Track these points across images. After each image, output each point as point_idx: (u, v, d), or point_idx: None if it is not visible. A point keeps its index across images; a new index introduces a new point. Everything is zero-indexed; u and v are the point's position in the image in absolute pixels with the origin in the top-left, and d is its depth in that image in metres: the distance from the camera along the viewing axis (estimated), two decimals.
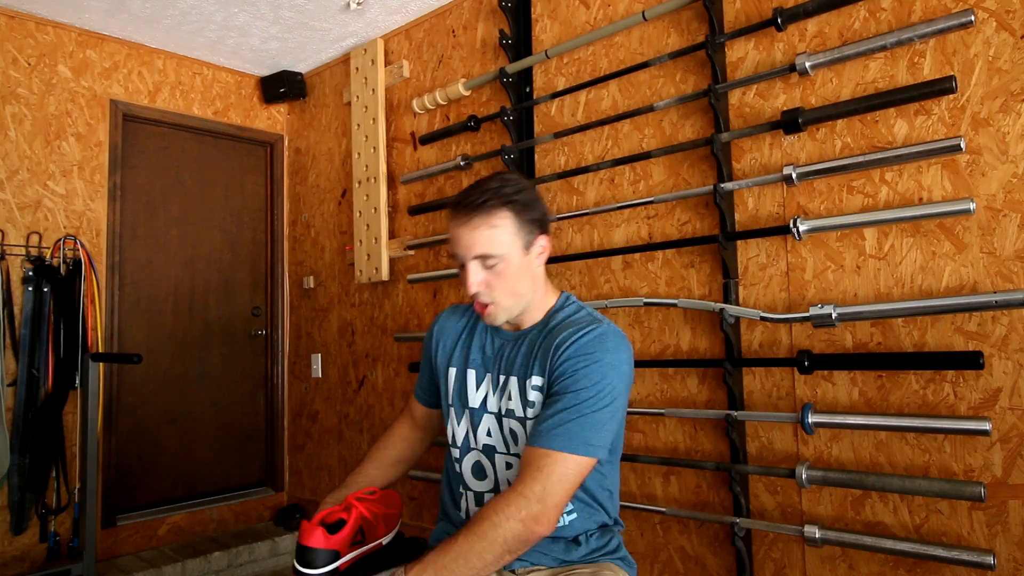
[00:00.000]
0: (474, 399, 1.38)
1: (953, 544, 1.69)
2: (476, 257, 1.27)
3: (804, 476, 1.86)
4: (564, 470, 1.16)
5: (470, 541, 1.11)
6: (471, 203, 1.27)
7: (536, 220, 1.31)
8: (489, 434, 1.36)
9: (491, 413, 1.36)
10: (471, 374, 1.39)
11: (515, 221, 1.28)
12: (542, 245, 1.34)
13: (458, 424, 1.40)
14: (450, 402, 1.41)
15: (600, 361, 1.22)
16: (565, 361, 1.24)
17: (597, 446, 1.19)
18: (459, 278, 1.34)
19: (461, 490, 1.41)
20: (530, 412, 1.30)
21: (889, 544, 1.73)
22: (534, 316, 1.37)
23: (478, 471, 1.38)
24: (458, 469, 1.40)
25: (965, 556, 1.61)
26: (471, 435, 1.38)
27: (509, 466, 1.35)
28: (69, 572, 2.69)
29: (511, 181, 1.30)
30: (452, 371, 1.42)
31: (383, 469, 1.52)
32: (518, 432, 1.32)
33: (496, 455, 1.35)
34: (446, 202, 2.96)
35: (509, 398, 1.32)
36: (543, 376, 1.28)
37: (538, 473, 1.15)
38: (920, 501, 1.76)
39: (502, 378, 1.35)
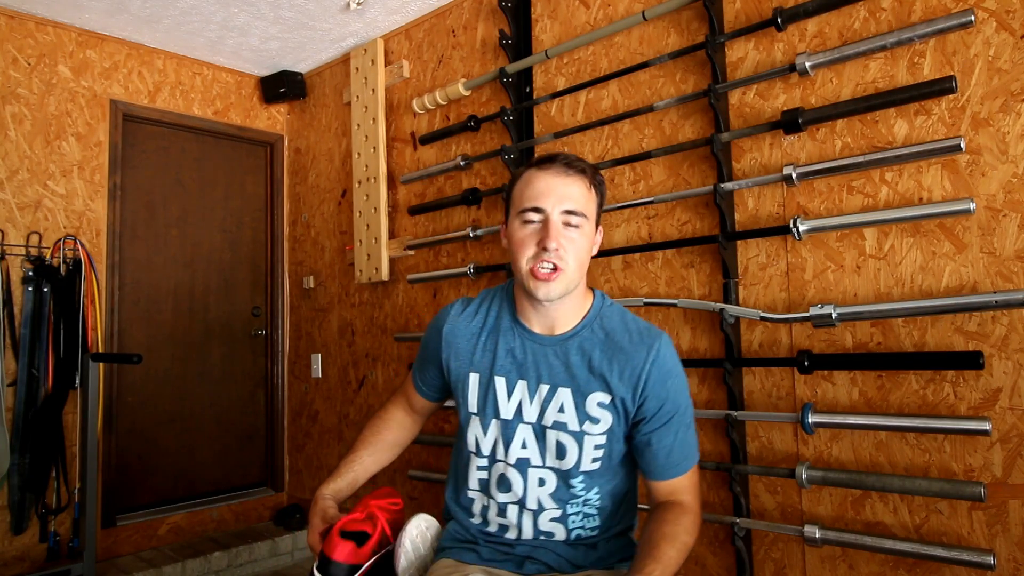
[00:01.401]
0: (506, 410, 1.29)
1: (953, 544, 1.69)
2: (565, 211, 1.21)
3: (804, 476, 1.86)
4: (699, 478, 1.31)
5: (678, 553, 1.18)
6: (569, 161, 1.24)
7: (601, 212, 1.32)
8: (524, 446, 1.28)
9: (528, 423, 1.28)
10: (500, 382, 1.29)
11: (598, 200, 1.29)
12: (600, 236, 1.33)
13: (484, 434, 1.31)
14: (474, 410, 1.32)
15: (680, 374, 1.29)
16: (654, 386, 1.24)
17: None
18: (520, 237, 1.23)
19: (474, 496, 1.35)
20: (592, 428, 1.24)
21: (889, 544, 1.73)
22: (571, 316, 1.29)
23: (503, 484, 1.30)
24: (485, 476, 1.32)
25: (965, 556, 1.61)
26: (500, 447, 1.29)
27: (543, 482, 1.28)
28: (69, 572, 2.69)
29: (595, 167, 1.32)
30: (474, 377, 1.32)
31: (377, 455, 1.44)
32: (568, 446, 1.25)
33: (530, 469, 1.28)
34: (446, 202, 2.96)
35: (561, 410, 1.25)
36: (610, 394, 1.24)
37: (694, 489, 1.28)
38: (920, 501, 1.76)
39: (544, 387, 1.27)
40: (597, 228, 1.30)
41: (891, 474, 1.78)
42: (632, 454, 1.30)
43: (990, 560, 1.59)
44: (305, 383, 3.76)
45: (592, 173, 1.27)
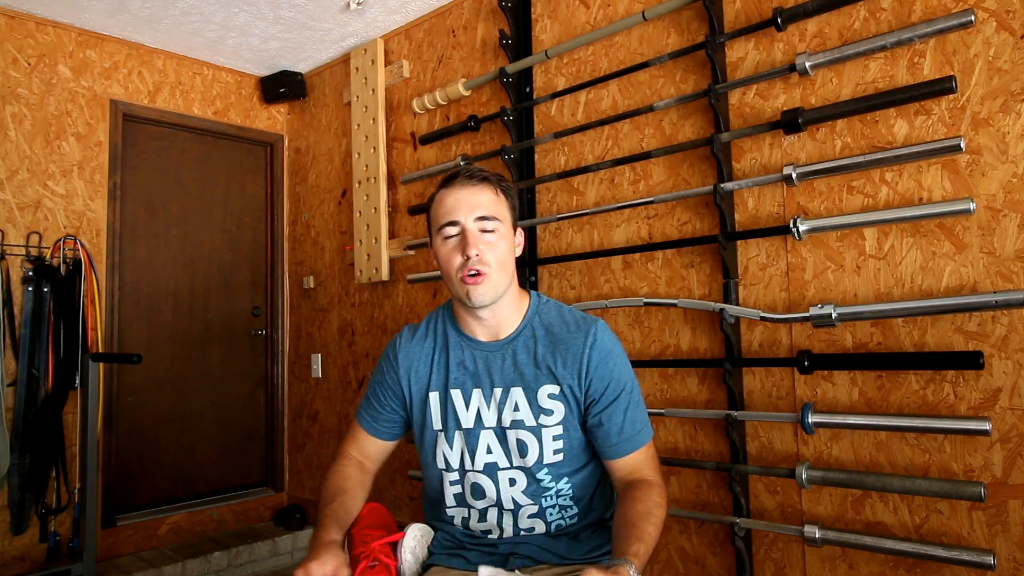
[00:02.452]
0: (466, 419, 1.32)
1: (953, 544, 1.69)
2: (478, 219, 1.28)
3: (804, 476, 1.86)
4: (655, 452, 1.34)
5: (655, 528, 1.18)
6: (472, 174, 1.32)
7: (517, 215, 1.39)
8: (489, 451, 1.31)
9: (489, 428, 1.31)
10: (455, 394, 1.34)
11: (508, 203, 1.36)
12: (520, 239, 1.39)
13: (451, 448, 1.34)
14: (439, 427, 1.35)
15: (620, 354, 1.33)
16: (597, 368, 1.29)
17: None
18: (445, 253, 1.30)
19: (453, 512, 1.37)
20: (547, 420, 1.29)
21: (889, 544, 1.73)
22: (511, 319, 1.34)
23: (477, 492, 1.33)
24: (459, 490, 1.35)
25: (965, 556, 1.61)
26: (467, 457, 1.32)
27: (513, 482, 1.30)
28: (69, 572, 2.68)
29: (499, 175, 1.38)
30: (434, 396, 1.36)
31: (356, 500, 1.37)
32: (528, 442, 1.29)
33: (499, 472, 1.31)
34: None
35: (516, 409, 1.30)
36: (558, 384, 1.29)
37: (652, 463, 1.31)
38: (920, 501, 1.76)
39: (498, 390, 1.31)
40: (516, 231, 1.37)
41: (891, 474, 1.78)
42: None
43: (990, 560, 1.59)
44: (305, 383, 3.76)
45: (497, 180, 1.35)
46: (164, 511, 3.36)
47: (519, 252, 1.37)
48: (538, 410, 1.29)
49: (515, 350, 1.33)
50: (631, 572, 1.04)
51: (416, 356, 1.39)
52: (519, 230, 1.39)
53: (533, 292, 1.41)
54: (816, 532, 1.82)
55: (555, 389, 1.29)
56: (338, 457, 1.45)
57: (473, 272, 1.26)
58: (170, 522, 3.35)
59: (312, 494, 3.65)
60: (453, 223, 1.29)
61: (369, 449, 1.45)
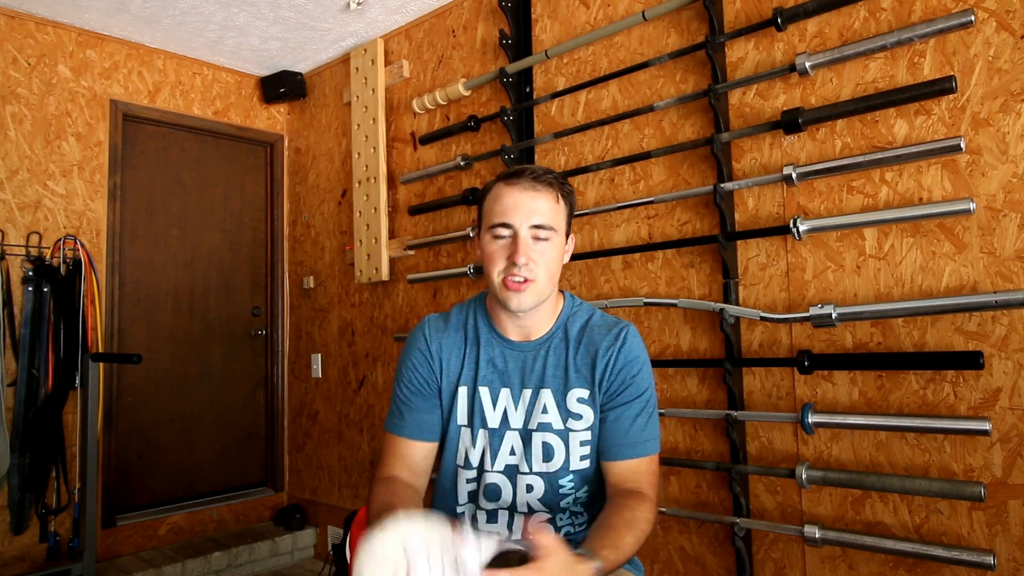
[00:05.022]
0: (492, 418, 1.31)
1: (953, 544, 1.69)
2: (533, 226, 1.24)
3: (804, 476, 1.86)
4: (657, 467, 1.30)
5: (635, 540, 1.16)
6: (536, 174, 1.27)
7: (571, 219, 1.35)
8: (512, 452, 1.30)
9: (514, 430, 1.30)
10: (483, 392, 1.32)
11: (567, 210, 1.32)
12: (571, 244, 1.37)
13: (473, 446, 1.31)
14: (464, 422, 1.32)
15: (644, 362, 1.32)
16: (620, 370, 1.28)
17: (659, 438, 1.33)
18: (491, 251, 1.26)
19: (464, 509, 1.35)
20: (576, 424, 1.28)
21: (889, 544, 1.73)
22: (545, 321, 1.33)
23: (492, 493, 1.31)
24: (474, 488, 1.33)
25: (965, 556, 1.61)
26: (488, 457, 1.30)
27: (531, 488, 1.29)
28: (69, 572, 2.69)
29: (562, 178, 1.33)
30: (463, 390, 1.33)
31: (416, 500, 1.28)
32: (554, 445, 1.28)
33: (518, 476, 1.29)
34: (446, 202, 2.96)
35: (544, 411, 1.29)
36: (588, 388, 1.29)
37: (651, 478, 1.27)
38: (920, 501, 1.76)
39: (527, 392, 1.31)
40: (568, 237, 1.34)
41: (891, 474, 1.78)
42: None
43: (990, 560, 1.59)
44: (305, 383, 3.76)
45: (560, 184, 1.30)
46: (164, 511, 3.36)
47: (567, 259, 1.35)
48: (567, 414, 1.28)
49: (547, 352, 1.32)
50: (595, 567, 1.02)
51: (449, 348, 1.36)
52: (571, 236, 1.36)
53: (567, 294, 1.40)
54: (816, 532, 1.82)
55: (584, 393, 1.29)
56: (376, 483, 1.31)
57: (519, 279, 1.23)
58: (170, 522, 3.35)
59: (312, 494, 3.65)
60: (507, 225, 1.24)
61: (416, 458, 1.33)
